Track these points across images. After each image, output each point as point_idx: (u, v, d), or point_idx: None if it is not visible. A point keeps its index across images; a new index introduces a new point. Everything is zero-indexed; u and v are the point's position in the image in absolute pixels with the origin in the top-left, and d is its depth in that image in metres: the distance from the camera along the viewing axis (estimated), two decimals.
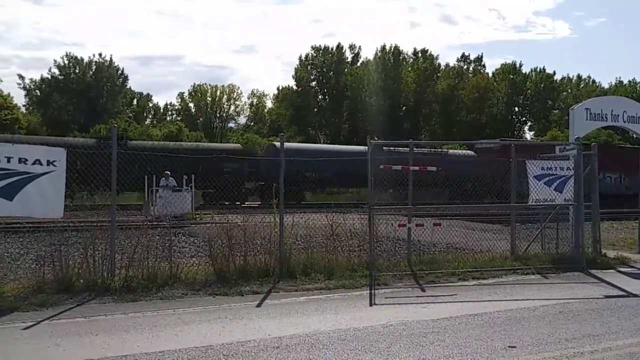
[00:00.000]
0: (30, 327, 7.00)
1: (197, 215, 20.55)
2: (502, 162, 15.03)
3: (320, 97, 75.39)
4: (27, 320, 7.27)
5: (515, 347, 6.22)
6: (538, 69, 76.91)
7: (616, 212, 24.03)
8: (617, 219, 22.58)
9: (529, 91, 76.89)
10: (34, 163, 8.63)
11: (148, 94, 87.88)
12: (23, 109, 67.03)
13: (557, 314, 7.87)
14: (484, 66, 79.92)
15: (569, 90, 78.24)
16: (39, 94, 70.53)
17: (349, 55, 75.74)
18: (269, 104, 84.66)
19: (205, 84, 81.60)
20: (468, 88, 72.63)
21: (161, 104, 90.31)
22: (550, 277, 10.82)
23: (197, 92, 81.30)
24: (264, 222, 11.18)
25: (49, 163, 8.72)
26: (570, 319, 7.55)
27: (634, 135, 17.01)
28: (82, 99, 68.68)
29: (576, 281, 10.49)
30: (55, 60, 72.25)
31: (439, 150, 36.75)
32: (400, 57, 74.86)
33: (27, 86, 71.00)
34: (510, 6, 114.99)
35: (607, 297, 9.12)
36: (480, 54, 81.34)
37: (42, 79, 70.46)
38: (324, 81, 74.18)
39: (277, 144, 27.67)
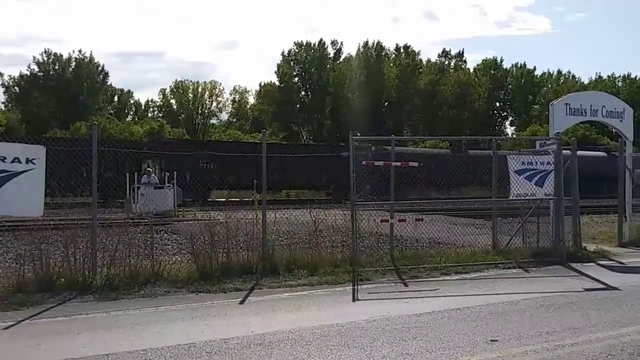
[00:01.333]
0: (10, 326, 6.92)
1: (179, 213, 20.45)
2: None
3: (302, 93, 75.38)
4: (7, 320, 7.18)
5: (497, 340, 6.26)
6: (519, 65, 77.63)
7: (596, 206, 24.33)
8: (598, 213, 22.84)
9: (510, 86, 77.65)
10: (12, 161, 8.51)
11: (129, 91, 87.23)
12: (2, 106, 66.33)
13: (538, 307, 7.94)
14: (465, 62, 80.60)
15: (550, 86, 79.03)
16: (18, 91, 69.68)
17: (331, 51, 75.81)
18: (252, 100, 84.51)
19: (187, 80, 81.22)
20: (450, 84, 73.01)
21: (142, 101, 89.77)
22: (531, 271, 10.91)
23: (179, 88, 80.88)
24: (246, 219, 11.14)
25: (28, 161, 8.61)
26: (551, 312, 7.63)
27: (613, 130, 17.18)
28: (62, 96, 67.88)
29: (557, 275, 10.59)
30: (34, 57, 71.36)
31: None
32: (383, 53, 75.06)
33: (6, 83, 70.25)
34: (492, 2, 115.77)
35: (587, 290, 9.22)
36: (462, 50, 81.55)
37: (21, 76, 69.59)
38: (307, 77, 74.10)
39: None
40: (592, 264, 11.74)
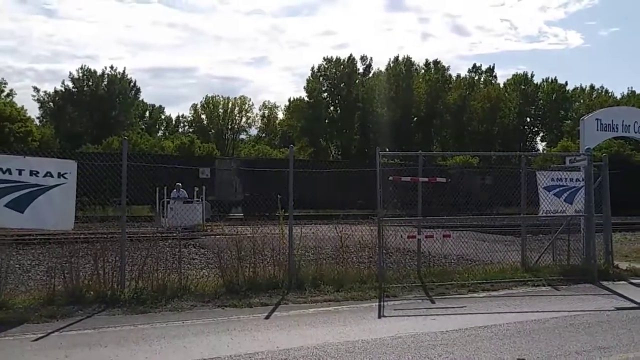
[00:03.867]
0: (40, 338, 7.04)
1: (207, 227, 20.59)
2: None
3: (331, 108, 75.58)
4: (37, 331, 7.31)
5: (524, 359, 6.18)
6: (550, 80, 76.83)
7: (630, 224, 23.87)
8: (631, 230, 22.40)
9: (541, 102, 76.83)
10: (45, 175, 8.71)
11: (160, 106, 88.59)
12: (37, 121, 67.73)
13: (568, 326, 7.81)
14: (495, 77, 80.00)
15: (582, 101, 77.95)
16: (52, 106, 71.31)
17: (360, 67, 75.94)
18: (280, 115, 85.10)
19: (217, 95, 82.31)
20: (479, 99, 72.60)
21: (173, 116, 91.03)
22: (561, 289, 10.74)
23: (209, 104, 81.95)
24: (273, 234, 11.19)
25: (60, 175, 8.80)
26: (580, 331, 7.49)
27: None
28: (95, 111, 69.36)
29: (587, 293, 10.40)
30: (70, 73, 73.08)
31: None
32: (412, 68, 75.02)
33: (42, 98, 71.93)
34: (523, 16, 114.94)
35: (618, 309, 9.03)
36: (492, 65, 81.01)
37: (56, 92, 71.32)
38: (336, 93, 74.35)
39: None
40: (624, 282, 11.52)
